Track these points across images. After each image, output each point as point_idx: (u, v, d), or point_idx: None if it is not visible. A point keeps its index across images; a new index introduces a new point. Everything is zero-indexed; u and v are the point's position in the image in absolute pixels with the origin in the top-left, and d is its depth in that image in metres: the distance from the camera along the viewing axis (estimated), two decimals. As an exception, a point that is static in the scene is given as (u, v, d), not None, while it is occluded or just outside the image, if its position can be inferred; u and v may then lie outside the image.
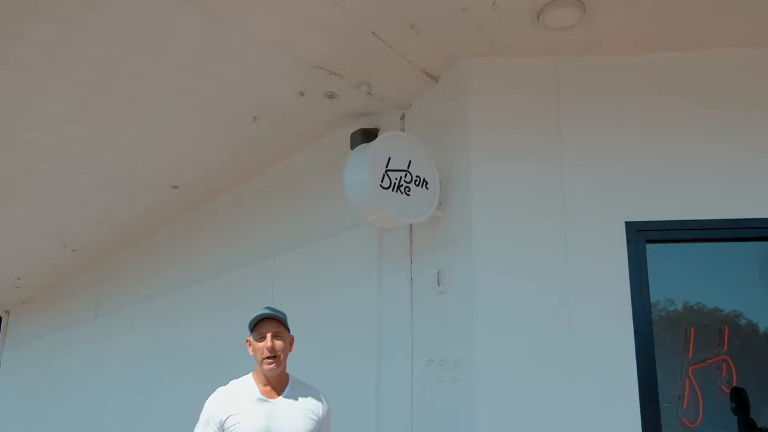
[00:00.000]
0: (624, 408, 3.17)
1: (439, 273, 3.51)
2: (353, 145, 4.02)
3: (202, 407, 2.55)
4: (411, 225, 3.71)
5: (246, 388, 2.64)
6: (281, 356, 2.63)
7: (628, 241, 3.36)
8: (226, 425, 2.52)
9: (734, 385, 3.77)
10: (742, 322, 3.99)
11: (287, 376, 2.73)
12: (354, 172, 3.36)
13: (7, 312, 14.16)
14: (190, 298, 6.09)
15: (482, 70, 3.61)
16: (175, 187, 5.80)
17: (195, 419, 6.00)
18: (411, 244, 3.76)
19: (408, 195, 3.38)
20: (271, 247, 5.03)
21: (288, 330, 2.72)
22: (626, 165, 3.45)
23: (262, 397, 2.59)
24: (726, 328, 3.86)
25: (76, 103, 4.22)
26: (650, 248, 3.40)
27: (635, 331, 3.25)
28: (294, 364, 4.39)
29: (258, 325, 2.66)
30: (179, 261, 6.57)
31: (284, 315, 2.71)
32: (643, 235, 3.38)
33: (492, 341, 3.25)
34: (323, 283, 4.35)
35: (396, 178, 3.35)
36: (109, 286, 8.44)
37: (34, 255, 8.64)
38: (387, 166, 3.34)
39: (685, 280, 3.86)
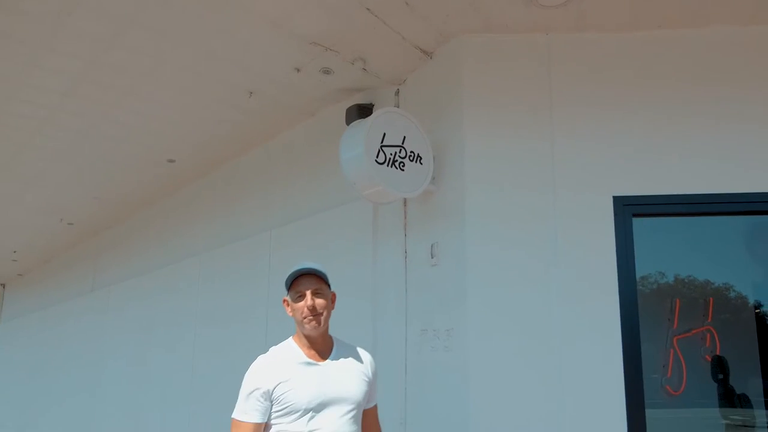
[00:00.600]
0: (609, 375, 3.29)
1: (432, 246, 3.61)
2: (348, 121, 4.09)
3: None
4: (405, 199, 3.80)
5: (289, 352, 2.40)
6: (324, 314, 2.39)
7: (616, 215, 3.46)
8: (275, 394, 2.28)
9: (717, 353, 3.91)
10: (727, 294, 4.11)
11: (331, 338, 2.50)
12: (350, 147, 3.43)
13: (3, 285, 14.25)
14: (187, 270, 6.17)
15: (475, 47, 3.67)
16: (171, 161, 5.84)
17: (192, 390, 6.14)
18: (405, 218, 3.84)
19: (402, 170, 3.46)
20: (268, 220, 5.11)
21: (329, 286, 2.47)
22: (615, 140, 3.53)
23: (309, 360, 2.37)
24: (711, 299, 3.98)
25: (74, 78, 4.25)
26: (637, 222, 3.50)
27: (620, 302, 3.36)
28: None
29: (295, 283, 2.40)
30: (176, 234, 6.64)
31: (324, 270, 2.46)
32: (629, 209, 3.47)
33: (483, 311, 3.36)
34: (320, 256, 4.44)
35: (391, 154, 3.43)
36: (106, 259, 8.51)
37: (30, 229, 8.69)
38: (382, 142, 3.41)
39: (672, 253, 3.96)
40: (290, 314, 2.43)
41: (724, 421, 4.12)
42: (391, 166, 3.42)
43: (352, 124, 3.61)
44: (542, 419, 3.25)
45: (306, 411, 2.26)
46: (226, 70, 4.15)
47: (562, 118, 3.58)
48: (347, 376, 2.39)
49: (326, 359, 2.40)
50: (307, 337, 2.40)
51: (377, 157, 3.37)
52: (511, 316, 3.36)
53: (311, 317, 2.34)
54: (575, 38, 3.64)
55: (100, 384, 7.72)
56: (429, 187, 3.60)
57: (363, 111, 4.12)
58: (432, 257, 3.58)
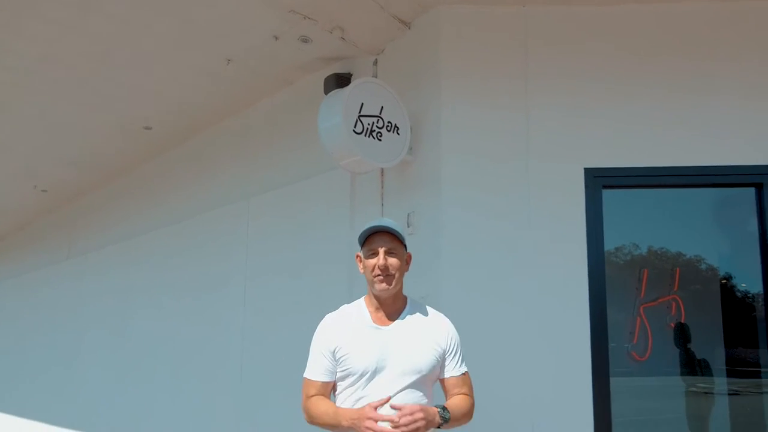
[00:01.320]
0: (576, 342, 3.41)
1: (409, 215, 3.68)
2: (327, 90, 4.10)
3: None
4: (382, 169, 3.85)
5: (357, 313, 2.34)
6: (396, 275, 2.29)
7: (586, 186, 3.55)
8: (337, 356, 2.26)
9: (681, 321, 4.06)
10: (694, 264, 4.25)
11: (404, 299, 2.39)
12: (328, 116, 3.46)
13: (-24, 252, 14.06)
14: (164, 239, 6.18)
15: (453, 18, 3.70)
16: (148, 128, 5.81)
17: (172, 357, 6.18)
18: (382, 188, 3.90)
19: (380, 140, 3.51)
20: (245, 189, 5.13)
21: (405, 247, 2.37)
22: (588, 113, 3.61)
23: (373, 324, 2.29)
24: (677, 269, 4.11)
25: (50, 43, 4.20)
26: (609, 193, 3.60)
27: (589, 271, 3.46)
28: (269, 303, 4.58)
29: (369, 240, 2.31)
30: (153, 202, 6.63)
31: (400, 229, 2.35)
32: (600, 181, 3.57)
33: (457, 278, 3.46)
34: (297, 225, 4.49)
35: (369, 124, 3.47)
36: (82, 226, 8.46)
37: (4, 195, 8.58)
38: (360, 112, 3.45)
39: (641, 224, 4.08)
40: (361, 271, 2.35)
41: (687, 389, 4.30)
42: (369, 136, 3.46)
43: (330, 93, 3.64)
44: (512, 382, 3.38)
45: (362, 376, 2.22)
46: (204, 38, 4.13)
47: (537, 89, 3.64)
48: (412, 343, 2.28)
49: (393, 323, 2.31)
50: (377, 298, 2.32)
51: (355, 127, 3.41)
52: (484, 283, 3.46)
53: (382, 277, 2.26)
54: (552, 10, 3.68)
55: (79, 353, 7.73)
56: (406, 157, 3.66)
57: (341, 80, 4.13)
58: (408, 226, 3.66)
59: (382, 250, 2.28)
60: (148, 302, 6.32)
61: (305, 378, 2.33)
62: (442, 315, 2.44)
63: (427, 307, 2.44)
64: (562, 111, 3.62)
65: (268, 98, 5.05)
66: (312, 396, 2.29)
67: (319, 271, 4.21)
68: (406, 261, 2.37)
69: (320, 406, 2.26)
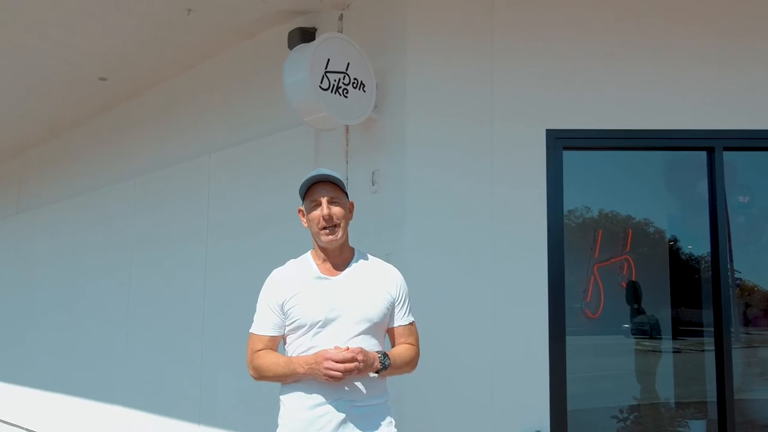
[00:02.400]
0: (534, 301, 3.51)
1: (373, 173, 3.69)
2: (291, 44, 4.02)
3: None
4: (347, 126, 3.83)
5: (304, 266, 2.33)
6: (341, 224, 2.27)
7: (548, 147, 3.61)
8: (285, 309, 2.25)
9: (632, 280, 4.22)
10: (645, 226, 4.40)
11: (351, 249, 2.38)
12: (293, 72, 3.41)
13: None
14: (121, 194, 6.05)
15: (421, -26, 3.66)
16: (102, 78, 5.62)
17: (127, 315, 6.12)
18: (347, 145, 3.89)
19: (346, 97, 3.48)
20: (206, 144, 5.04)
21: (347, 195, 2.35)
22: (552, 74, 3.65)
23: (321, 274, 2.29)
24: (630, 230, 4.26)
25: (-3, -14, 4.00)
26: (568, 155, 3.67)
27: (548, 232, 3.55)
28: (231, 259, 4.56)
29: (310, 192, 2.29)
30: (108, 156, 6.45)
31: (341, 178, 2.32)
32: (561, 143, 3.63)
33: (421, 236, 3.50)
34: (261, 181, 4.45)
35: (335, 80, 3.44)
36: (32, 180, 8.20)
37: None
38: (326, 68, 3.41)
39: (598, 186, 4.19)
40: (306, 226, 2.33)
41: (636, 347, 4.50)
42: (335, 93, 3.43)
43: (295, 48, 3.58)
44: (472, 340, 3.47)
45: (312, 326, 2.22)
46: (163, -14, 3.99)
47: (502, 49, 3.66)
48: (361, 292, 2.28)
49: (341, 273, 2.30)
50: (324, 250, 2.29)
51: (321, 83, 3.38)
52: (446, 241, 3.51)
53: (327, 228, 2.24)
54: (519, -29, 3.68)
55: (32, 310, 7.57)
56: (371, 115, 3.65)
57: (306, 35, 4.06)
58: (373, 184, 3.67)
59: (324, 200, 2.25)
60: (103, 259, 6.21)
61: (252, 333, 2.33)
62: (390, 265, 2.44)
63: (375, 257, 2.44)
64: (527, 71, 3.65)
65: (229, 50, 4.93)
66: (259, 350, 2.29)
67: (283, 228, 4.20)
68: (349, 210, 2.36)
69: (269, 357, 2.27)
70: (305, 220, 2.34)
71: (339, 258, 2.33)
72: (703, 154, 3.75)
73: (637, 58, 3.67)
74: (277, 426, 2.31)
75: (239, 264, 4.52)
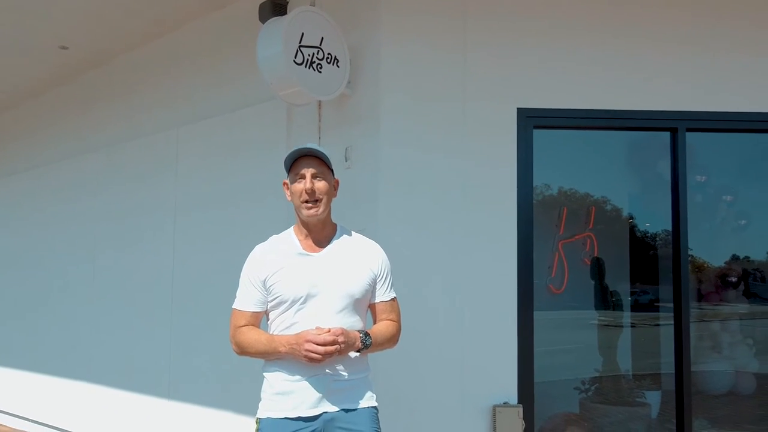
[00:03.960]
0: (503, 277, 3.59)
1: (346, 149, 3.69)
2: (262, 17, 3.96)
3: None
4: (320, 102, 3.82)
5: (286, 242, 2.32)
6: (324, 200, 2.27)
7: (519, 125, 3.67)
8: (267, 285, 2.26)
9: (596, 256, 4.34)
10: (607, 204, 4.52)
11: (334, 225, 2.38)
12: (268, 45, 3.37)
13: None
14: (84, 167, 5.91)
15: (395, -50, 3.64)
16: (64, 47, 5.45)
17: (92, 289, 6.02)
18: (320, 121, 3.88)
19: (320, 72, 3.46)
20: (174, 117, 4.95)
21: (332, 172, 2.35)
22: (524, 54, 3.69)
23: (303, 251, 2.29)
24: (593, 208, 4.37)
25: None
26: (538, 133, 3.73)
27: (518, 209, 3.62)
28: (201, 234, 4.52)
29: (295, 164, 2.28)
30: (71, 128, 6.27)
31: (327, 154, 2.31)
32: (531, 121, 3.69)
33: (393, 212, 3.54)
34: (231, 156, 4.41)
35: (309, 55, 3.41)
36: (-12, 151, 7.94)
37: None
38: (300, 42, 3.38)
39: (565, 164, 4.28)
40: (289, 198, 2.33)
41: (598, 321, 4.65)
42: (309, 68, 3.41)
43: (268, 21, 3.53)
44: (443, 316, 3.53)
45: (293, 302, 2.23)
46: (130, -48, 3.88)
47: (475, 28, 3.68)
48: (343, 268, 2.29)
49: (323, 249, 2.30)
50: (306, 225, 2.30)
51: (295, 57, 3.35)
52: (418, 217, 3.56)
53: (310, 203, 2.24)
54: (493, -51, 3.69)
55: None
56: (345, 91, 3.64)
57: (277, 8, 3.99)
58: (346, 160, 3.68)
59: (309, 174, 2.25)
60: (66, 233, 6.08)
61: (234, 309, 2.33)
62: (372, 241, 2.45)
63: (357, 233, 2.44)
64: (499, 51, 3.69)
65: (198, 20, 4.82)
66: (241, 326, 2.30)
67: (254, 204, 4.19)
68: (334, 187, 2.36)
69: (252, 334, 2.27)
70: (289, 194, 2.34)
71: (321, 234, 2.33)
72: (666, 134, 3.86)
73: (607, 39, 3.74)
74: (259, 399, 2.34)
75: (208, 239, 4.50)
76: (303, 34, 3.40)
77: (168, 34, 5.10)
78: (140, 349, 5.00)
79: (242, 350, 2.30)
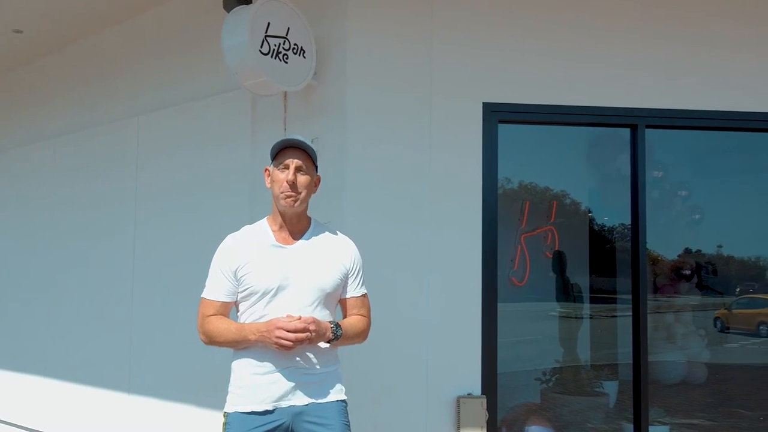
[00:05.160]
0: (469, 269, 3.62)
1: (313, 141, 3.67)
2: (226, 5, 3.88)
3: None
4: (286, 93, 3.78)
5: (259, 233, 2.31)
6: (303, 194, 2.27)
7: (484, 120, 3.70)
8: (238, 276, 2.25)
9: (557, 249, 4.42)
10: (568, 198, 4.61)
11: (309, 219, 2.39)
12: (233, 34, 3.32)
13: None
14: (40, 154, 5.74)
15: (362, -59, 3.62)
16: (17, 31, 5.27)
17: (49, 280, 5.87)
18: (285, 112, 3.84)
19: (286, 62, 3.43)
20: (134, 105, 4.84)
21: (317, 168, 2.36)
22: (490, 48, 3.72)
23: (276, 243, 2.28)
24: (554, 202, 4.45)
25: None
26: (503, 128, 3.77)
27: (483, 201, 3.66)
28: (162, 224, 4.44)
29: (281, 153, 2.28)
30: (27, 114, 6.07)
31: (314, 150, 2.33)
32: (496, 116, 3.73)
33: (360, 204, 3.53)
34: (194, 146, 4.33)
35: (275, 45, 3.37)
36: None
37: None
38: (266, 32, 3.34)
39: (527, 158, 4.34)
40: (268, 186, 2.32)
41: (559, 313, 4.74)
42: (275, 58, 3.37)
43: (234, 9, 3.47)
44: (408, 307, 3.55)
45: (264, 294, 2.22)
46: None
47: (442, 22, 3.69)
48: (315, 262, 2.29)
49: (296, 242, 2.31)
50: (282, 215, 2.29)
51: (261, 47, 3.31)
52: (385, 209, 3.56)
53: (289, 193, 2.24)
54: (460, -57, 3.70)
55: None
56: (311, 82, 3.61)
57: (242, -4, 3.95)
58: (312, 152, 3.65)
59: (293, 166, 2.25)
60: (22, 222, 5.89)
61: (204, 298, 2.30)
62: (346, 237, 2.46)
63: (331, 228, 2.46)
64: (465, 45, 3.71)
65: (159, 6, 4.71)
66: (210, 315, 2.28)
67: (217, 194, 4.13)
68: (315, 183, 2.37)
69: (220, 323, 2.25)
70: (269, 181, 2.33)
71: (296, 226, 2.33)
72: (626, 130, 3.94)
73: (570, 36, 3.80)
74: (226, 392, 2.32)
75: (171, 229, 4.42)
76: (269, 23, 3.36)
77: (129, 19, 4.97)
78: (99, 342, 4.90)
79: (210, 339, 2.28)
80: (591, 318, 4.77)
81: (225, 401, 2.30)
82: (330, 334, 2.24)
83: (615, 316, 4.47)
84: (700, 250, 4.95)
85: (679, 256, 4.93)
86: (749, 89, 3.90)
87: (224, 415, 2.27)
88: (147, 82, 4.81)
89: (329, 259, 2.33)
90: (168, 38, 4.68)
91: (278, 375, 2.22)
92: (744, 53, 3.90)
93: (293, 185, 2.24)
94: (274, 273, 2.24)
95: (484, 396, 3.52)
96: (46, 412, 5.33)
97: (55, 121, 5.69)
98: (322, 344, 2.26)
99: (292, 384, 2.23)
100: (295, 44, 3.50)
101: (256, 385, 2.23)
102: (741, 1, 3.92)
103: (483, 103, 3.71)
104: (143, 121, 4.71)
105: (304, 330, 2.13)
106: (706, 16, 3.90)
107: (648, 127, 3.89)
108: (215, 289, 2.29)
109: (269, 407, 2.21)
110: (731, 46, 3.90)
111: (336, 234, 2.44)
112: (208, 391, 3.88)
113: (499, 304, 3.66)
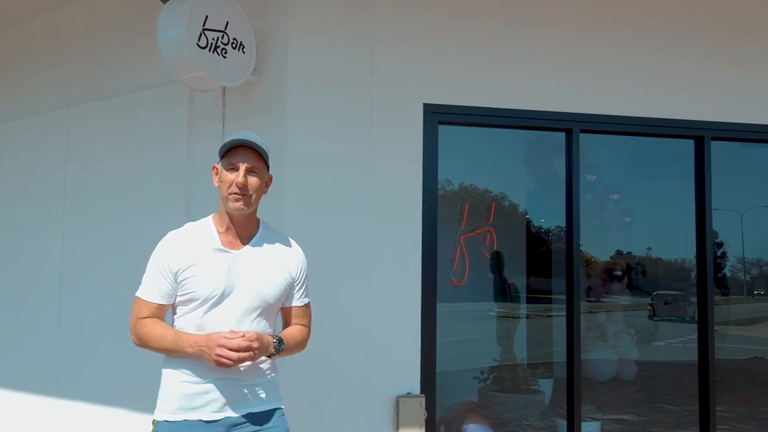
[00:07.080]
0: (408, 267, 3.64)
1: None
2: (163, -4, 3.80)
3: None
4: (224, 88, 3.70)
5: (204, 234, 2.17)
6: (253, 197, 2.14)
7: (425, 121, 3.71)
8: (179, 278, 2.11)
9: (495, 250, 4.48)
10: (505, 199, 4.68)
11: (258, 222, 2.27)
12: (169, 26, 3.22)
13: None
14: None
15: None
16: (-63, 17, 4.99)
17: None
18: (224, 107, 3.76)
19: (224, 57, 3.35)
20: (64, 97, 4.64)
21: (268, 168, 2.23)
22: (431, 49, 3.74)
23: (222, 247, 2.15)
24: (493, 203, 4.51)
25: None
26: (443, 129, 3.80)
27: (423, 201, 3.67)
28: (92, 221, 4.28)
29: (231, 153, 2.13)
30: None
31: (267, 149, 2.18)
32: (437, 117, 3.75)
33: (299, 203, 3.49)
34: (128, 141, 4.19)
35: (213, 39, 3.29)
36: None
37: None
38: (204, 25, 3.26)
39: (467, 159, 4.38)
40: (216, 185, 2.19)
41: (497, 313, 4.81)
42: (213, 52, 3.29)
43: (170, 0, 3.37)
44: (348, 307, 3.54)
45: (206, 301, 2.11)
46: None
47: (383, 22, 3.69)
48: (260, 270, 2.18)
49: (243, 247, 2.19)
50: (229, 217, 2.16)
51: (199, 40, 3.22)
52: (325, 208, 3.53)
53: (238, 195, 2.10)
54: (403, -58, 3.70)
55: None
56: (251, 78, 3.55)
57: (180, -12, 3.84)
58: (251, 149, 3.58)
59: (243, 167, 2.11)
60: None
61: (138, 298, 2.17)
62: (294, 242, 2.36)
63: (280, 233, 2.36)
64: (407, 44, 3.71)
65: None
66: (144, 317, 2.15)
67: (151, 190, 4.01)
68: (266, 183, 2.25)
69: (156, 329, 2.12)
70: (217, 180, 2.20)
71: (244, 229, 2.21)
72: (562, 135, 4.03)
73: (510, 41, 3.86)
74: (156, 397, 2.22)
75: (101, 226, 4.26)
76: (207, 17, 3.28)
77: (59, 8, 4.77)
78: (25, 344, 4.68)
79: (143, 343, 2.16)
80: (527, 318, 4.86)
81: (155, 407, 2.21)
82: (272, 349, 2.15)
83: (550, 316, 4.56)
84: (631, 252, 5.10)
85: (611, 257, 5.06)
86: (681, 97, 4.04)
87: (153, 423, 2.17)
88: (78, 73, 4.62)
89: (275, 267, 2.23)
90: (101, 28, 4.51)
91: (211, 385, 2.12)
92: (678, 60, 4.05)
93: (243, 188, 2.11)
94: (217, 280, 2.12)
95: (423, 395, 3.53)
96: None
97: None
98: (262, 358, 2.18)
99: (227, 395, 2.13)
100: (234, 39, 3.43)
101: (187, 394, 2.12)
102: (675, 7, 4.06)
103: (424, 104, 3.72)
104: (73, 113, 4.52)
105: (247, 348, 2.02)
106: (641, 22, 4.02)
107: (582, 131, 3.98)
108: (152, 289, 2.16)
109: (203, 417, 2.12)
110: (666, 52, 4.03)
111: (285, 239, 2.33)
112: (138, 396, 3.76)
113: (438, 304, 3.68)
